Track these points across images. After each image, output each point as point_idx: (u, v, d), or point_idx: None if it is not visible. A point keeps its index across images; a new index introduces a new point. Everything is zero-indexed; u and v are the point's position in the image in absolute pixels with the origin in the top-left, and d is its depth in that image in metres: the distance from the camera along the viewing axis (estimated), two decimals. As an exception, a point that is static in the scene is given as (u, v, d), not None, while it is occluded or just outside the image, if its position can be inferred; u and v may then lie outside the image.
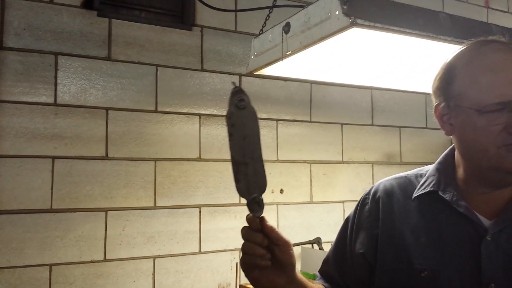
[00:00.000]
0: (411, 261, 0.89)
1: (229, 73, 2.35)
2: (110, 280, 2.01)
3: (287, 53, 1.37)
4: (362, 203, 1.03)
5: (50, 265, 1.91)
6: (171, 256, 2.14)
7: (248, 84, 2.36)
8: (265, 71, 1.60)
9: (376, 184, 1.03)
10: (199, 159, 2.25)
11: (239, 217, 2.25)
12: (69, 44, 2.01)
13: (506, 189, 0.86)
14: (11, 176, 1.87)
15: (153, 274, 2.10)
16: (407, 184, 0.97)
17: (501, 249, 0.83)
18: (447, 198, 0.89)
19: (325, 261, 1.11)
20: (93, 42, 2.06)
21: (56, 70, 1.98)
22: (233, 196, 2.27)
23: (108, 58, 2.08)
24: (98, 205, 2.01)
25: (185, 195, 2.20)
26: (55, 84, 1.98)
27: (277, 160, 2.41)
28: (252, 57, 1.58)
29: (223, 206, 2.26)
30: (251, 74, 1.65)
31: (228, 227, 2.25)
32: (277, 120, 2.45)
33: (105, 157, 2.05)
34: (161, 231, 2.13)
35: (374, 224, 0.97)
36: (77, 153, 1.99)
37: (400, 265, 0.91)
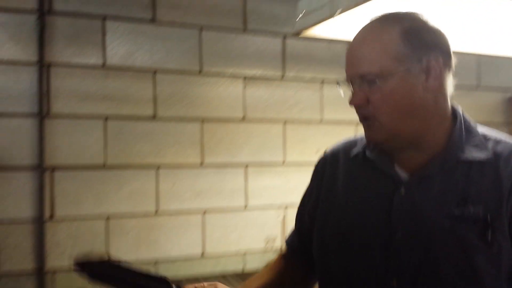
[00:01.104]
0: (338, 213, 0.96)
1: (273, 34, 2.35)
2: (162, 232, 2.14)
3: (338, 12, 1.35)
4: (314, 169, 1.09)
5: (106, 217, 2.05)
6: (218, 212, 2.25)
7: (291, 46, 2.36)
8: (311, 32, 1.58)
9: (328, 148, 1.09)
10: (244, 119, 2.30)
11: (284, 176, 2.31)
12: (115, 7, 2.07)
13: (430, 146, 0.88)
14: (66, 134, 2.00)
15: (202, 227, 2.22)
16: (351, 146, 1.02)
17: (412, 200, 0.86)
18: (369, 155, 0.94)
19: (291, 230, 1.17)
20: (138, 4, 2.11)
21: (103, 33, 2.06)
22: (278, 155, 2.33)
23: (153, 21, 2.13)
24: (149, 162, 2.13)
25: (231, 154, 2.27)
26: (104, 47, 2.06)
27: (322, 121, 2.42)
28: (299, 16, 1.56)
29: (268, 165, 2.32)
30: (297, 35, 1.64)
31: (273, 185, 2.31)
32: (322, 81, 2.44)
33: (154, 118, 2.14)
34: (209, 188, 2.23)
35: (318, 189, 1.03)
36: (127, 113, 2.09)
37: (329, 218, 0.97)
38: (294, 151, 2.34)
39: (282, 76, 2.38)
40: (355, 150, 0.99)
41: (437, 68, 0.85)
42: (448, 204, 0.84)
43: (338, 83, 0.94)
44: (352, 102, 0.88)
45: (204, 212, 2.22)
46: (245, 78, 2.30)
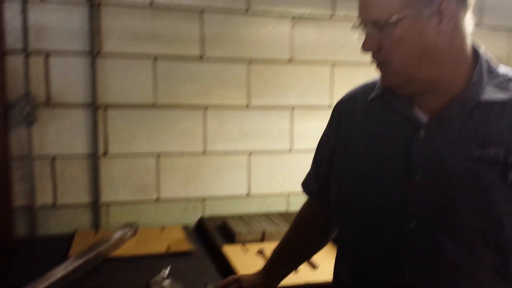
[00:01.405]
0: (356, 158, 0.96)
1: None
2: (210, 171, 2.21)
3: None
4: (331, 113, 1.08)
5: (157, 155, 2.13)
6: (264, 154, 2.28)
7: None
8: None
9: (346, 92, 1.08)
10: (291, 61, 2.26)
11: (330, 119, 2.28)
12: None
13: (448, 88, 0.86)
14: (117, 73, 2.04)
15: (248, 168, 2.26)
16: (369, 89, 0.99)
17: (431, 143, 0.86)
18: (387, 99, 0.93)
19: (308, 173, 1.18)
20: None
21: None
22: (324, 98, 2.29)
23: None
24: (197, 103, 2.15)
25: (277, 96, 2.26)
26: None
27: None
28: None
29: (314, 108, 2.29)
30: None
31: (318, 128, 2.25)
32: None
33: (201, 58, 2.14)
34: (254, 130, 2.25)
35: (335, 134, 1.03)
36: (175, 53, 2.10)
37: (347, 164, 0.97)
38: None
39: (332, 16, 2.29)
40: (373, 94, 0.97)
41: (449, 9, 0.81)
42: (468, 146, 0.83)
43: (353, 26, 0.90)
44: (364, 47, 0.88)
45: (250, 154, 2.25)
46: (293, 17, 2.23)
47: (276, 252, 1.21)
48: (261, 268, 1.21)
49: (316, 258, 1.32)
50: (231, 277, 1.19)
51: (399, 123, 0.91)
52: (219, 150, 2.21)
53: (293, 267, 1.23)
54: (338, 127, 1.03)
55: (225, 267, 1.68)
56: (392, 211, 0.88)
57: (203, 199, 2.22)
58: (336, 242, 1.07)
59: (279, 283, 1.20)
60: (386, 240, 0.89)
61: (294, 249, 1.20)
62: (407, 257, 0.86)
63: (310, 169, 1.17)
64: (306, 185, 1.18)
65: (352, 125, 0.99)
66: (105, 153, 2.06)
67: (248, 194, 2.28)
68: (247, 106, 2.23)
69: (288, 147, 2.29)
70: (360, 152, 0.96)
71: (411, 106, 0.90)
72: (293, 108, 2.28)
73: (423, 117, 0.89)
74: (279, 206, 2.28)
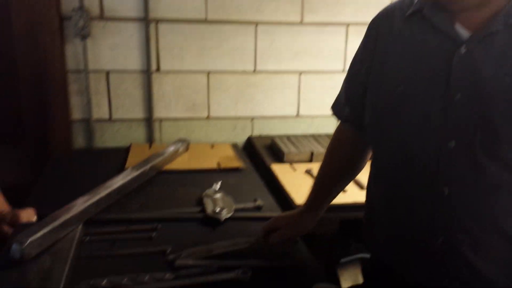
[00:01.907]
0: (392, 78, 0.92)
1: None
2: (259, 90, 2.19)
3: None
4: (366, 31, 1.02)
5: (208, 72, 2.12)
6: (315, 73, 2.22)
7: None
8: None
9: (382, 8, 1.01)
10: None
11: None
12: None
13: (493, 1, 0.82)
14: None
15: (298, 88, 2.22)
16: (408, 4, 0.93)
17: (473, 59, 0.82)
18: (426, 14, 0.88)
19: (338, 95, 1.14)
20: None
21: None
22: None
23: None
24: (248, 19, 2.08)
25: (333, 12, 2.14)
26: None
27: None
28: None
29: (371, 26, 2.17)
30: None
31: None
32: None
33: (254, -30, 2.04)
34: (307, 48, 2.17)
35: (371, 53, 0.98)
36: (226, -34, 2.01)
37: (383, 85, 0.94)
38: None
39: None
40: (411, 9, 0.91)
41: None
42: (511, 62, 0.79)
43: None
44: None
45: (301, 73, 2.20)
46: None
47: (314, 185, 1.22)
48: (302, 206, 1.22)
49: (364, 178, 1.31)
50: (272, 224, 1.20)
51: (439, 39, 0.86)
52: (270, 69, 2.17)
53: (333, 196, 1.23)
54: (374, 45, 0.98)
55: (273, 184, 1.71)
56: (430, 131, 0.86)
57: (252, 119, 2.23)
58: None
59: (319, 216, 1.21)
60: (424, 161, 0.87)
61: (331, 179, 1.20)
62: (446, 177, 0.85)
63: (341, 91, 1.13)
64: (337, 108, 1.14)
65: (388, 42, 0.95)
66: (157, 69, 2.07)
67: (297, 115, 2.26)
68: (301, 22, 2.13)
69: (341, 67, 2.21)
70: (397, 71, 0.92)
71: (452, 21, 0.85)
72: (348, 25, 2.16)
73: (464, 33, 0.84)
74: (328, 128, 2.26)
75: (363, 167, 1.19)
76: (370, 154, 1.15)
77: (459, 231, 0.86)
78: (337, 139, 1.19)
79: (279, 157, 1.94)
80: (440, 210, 0.87)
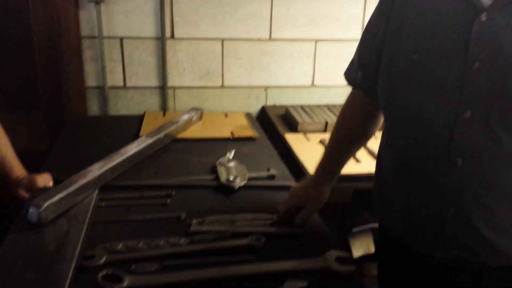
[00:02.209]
0: (407, 45, 0.89)
1: None
2: (274, 58, 2.16)
3: None
4: None
5: (222, 40, 2.09)
6: (332, 41, 2.17)
7: None
8: None
9: None
10: None
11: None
12: None
13: None
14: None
15: (314, 57, 2.19)
16: None
17: (493, 27, 0.79)
18: None
19: (351, 61, 1.12)
20: None
21: None
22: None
23: None
24: (264, -16, 2.04)
25: (351, -22, 2.09)
26: None
27: None
28: None
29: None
30: None
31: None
32: None
33: None
34: (324, 15, 2.12)
35: (386, 19, 0.95)
36: None
37: (398, 52, 0.91)
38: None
39: None
40: None
41: None
42: None
43: None
44: None
45: (317, 41, 2.16)
46: None
47: (327, 153, 1.21)
48: (315, 177, 1.22)
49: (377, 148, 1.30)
50: (293, 202, 1.20)
51: (458, 5, 0.83)
52: (285, 36, 2.13)
53: (345, 163, 1.22)
54: (390, 10, 0.95)
55: (287, 154, 1.71)
56: (445, 101, 0.84)
57: (266, 88, 2.20)
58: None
59: (332, 186, 1.21)
60: (438, 131, 0.86)
61: (343, 145, 1.19)
62: (460, 148, 0.84)
63: (354, 57, 1.10)
64: (349, 73, 1.13)
65: (405, 8, 0.91)
66: (172, 36, 2.05)
67: (312, 85, 2.23)
68: (318, -13, 2.08)
69: (358, 35, 2.15)
70: (413, 37, 0.89)
71: None
72: (367, -8, 2.11)
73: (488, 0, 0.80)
74: (343, 98, 2.20)
75: (374, 133, 1.18)
76: (381, 121, 1.14)
77: (471, 203, 0.86)
78: (349, 105, 1.18)
79: (293, 126, 1.93)
80: (452, 181, 0.86)
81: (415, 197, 0.94)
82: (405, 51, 0.90)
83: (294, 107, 2.12)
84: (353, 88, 1.15)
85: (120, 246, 1.04)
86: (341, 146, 1.20)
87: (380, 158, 1.08)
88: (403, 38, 0.91)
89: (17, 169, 1.34)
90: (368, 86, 1.05)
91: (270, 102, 2.23)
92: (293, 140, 1.80)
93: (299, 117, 1.95)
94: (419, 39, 0.88)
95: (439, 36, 0.85)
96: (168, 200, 1.27)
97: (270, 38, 2.12)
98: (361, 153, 1.71)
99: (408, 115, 0.92)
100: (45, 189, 1.22)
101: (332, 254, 1.02)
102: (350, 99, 1.17)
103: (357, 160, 1.65)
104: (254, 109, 2.23)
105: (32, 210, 1.05)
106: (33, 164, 1.46)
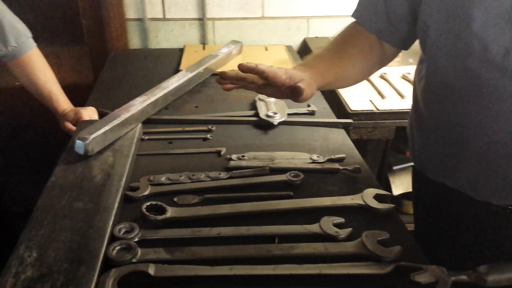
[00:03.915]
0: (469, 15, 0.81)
1: None
2: None
3: None
4: None
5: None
6: None
7: None
8: None
9: None
10: None
11: None
12: None
13: None
14: None
15: None
16: None
17: None
18: None
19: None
20: None
21: None
22: None
23: None
24: None
25: None
26: None
27: None
28: None
29: None
30: None
31: None
32: None
33: None
34: None
35: None
36: None
37: (451, 23, 0.85)
38: None
39: None
40: None
41: None
42: None
43: None
44: None
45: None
46: None
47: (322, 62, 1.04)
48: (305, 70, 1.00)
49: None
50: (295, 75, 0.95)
51: None
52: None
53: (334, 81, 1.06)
54: None
55: (331, 96, 1.67)
56: (491, 69, 0.81)
57: (308, 19, 2.12)
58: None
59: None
60: (485, 88, 0.83)
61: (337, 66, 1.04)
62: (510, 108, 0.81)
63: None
64: (365, 16, 1.04)
65: None
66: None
67: (356, 15, 2.12)
68: None
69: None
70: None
71: None
72: None
73: None
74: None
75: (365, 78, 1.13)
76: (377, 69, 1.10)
77: None
78: (351, 34, 1.06)
79: (336, 60, 1.86)
80: (505, 117, 0.83)
81: (458, 134, 0.92)
82: (449, 4, 0.84)
83: (337, 39, 2.03)
84: (363, 27, 1.04)
85: (163, 178, 1.07)
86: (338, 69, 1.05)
87: (416, 91, 1.05)
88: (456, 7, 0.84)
89: (63, 102, 1.39)
90: (388, 35, 1.00)
91: (312, 34, 2.15)
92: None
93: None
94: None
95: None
96: (209, 135, 1.29)
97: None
98: (405, 87, 1.65)
99: (452, 69, 0.88)
100: (90, 122, 1.25)
101: (371, 191, 1.02)
102: (356, 33, 1.05)
103: (402, 96, 1.60)
104: (295, 41, 2.16)
105: (78, 142, 1.09)
106: (78, 98, 1.50)
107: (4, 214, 1.69)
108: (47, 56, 1.42)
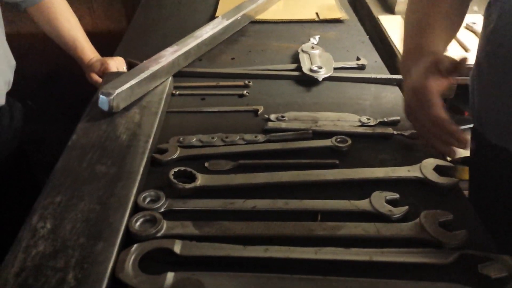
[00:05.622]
0: None
1: None
2: None
3: None
4: None
5: None
6: None
7: None
8: None
9: None
10: None
11: None
12: None
13: None
14: None
15: None
16: None
17: None
18: None
19: None
20: None
21: None
22: None
23: None
24: None
25: None
26: None
27: None
28: None
29: None
30: None
31: None
32: None
33: None
34: None
35: None
36: None
37: None
38: None
39: None
40: None
41: None
42: None
43: None
44: None
45: None
46: None
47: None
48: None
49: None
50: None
51: None
52: None
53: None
54: None
55: (381, 40, 1.49)
56: None
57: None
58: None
59: None
60: None
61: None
62: None
63: None
64: None
65: None
66: None
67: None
68: None
69: None
70: None
71: None
72: None
73: None
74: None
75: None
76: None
77: None
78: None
79: (389, 7, 1.67)
80: None
81: None
82: None
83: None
84: None
85: (194, 140, 0.97)
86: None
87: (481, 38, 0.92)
88: None
89: (89, 51, 1.29)
90: None
91: (362, -22, 1.94)
92: (389, 23, 1.57)
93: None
94: None
95: None
96: (245, 91, 1.16)
97: None
98: (470, 40, 1.45)
99: None
100: (117, 74, 1.15)
101: (431, 162, 0.88)
102: None
103: (466, 49, 1.41)
104: (344, -15, 1.95)
105: (102, 97, 0.99)
106: (112, 45, 1.40)
107: (40, 165, 1.65)
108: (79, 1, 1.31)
